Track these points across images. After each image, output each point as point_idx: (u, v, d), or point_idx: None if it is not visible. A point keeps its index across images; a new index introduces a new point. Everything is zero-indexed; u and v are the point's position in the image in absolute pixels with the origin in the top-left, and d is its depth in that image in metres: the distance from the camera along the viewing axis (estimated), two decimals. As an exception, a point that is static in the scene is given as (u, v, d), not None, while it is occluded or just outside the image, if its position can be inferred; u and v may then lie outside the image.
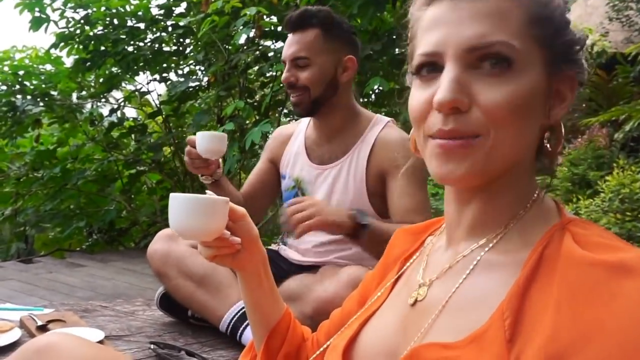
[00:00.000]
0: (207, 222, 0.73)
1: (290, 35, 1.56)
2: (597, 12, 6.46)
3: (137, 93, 4.42)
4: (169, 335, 1.61)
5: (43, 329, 1.46)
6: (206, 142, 1.45)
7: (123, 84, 4.45)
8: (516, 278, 0.52)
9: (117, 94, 4.60)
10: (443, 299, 0.57)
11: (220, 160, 1.55)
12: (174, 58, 4.22)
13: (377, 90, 3.60)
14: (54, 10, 3.70)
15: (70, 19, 3.78)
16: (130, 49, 3.96)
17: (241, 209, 0.80)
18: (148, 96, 4.46)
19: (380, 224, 1.37)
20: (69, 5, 3.69)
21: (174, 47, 4.19)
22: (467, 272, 0.57)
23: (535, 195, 0.60)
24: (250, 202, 1.66)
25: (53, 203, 3.97)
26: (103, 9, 3.76)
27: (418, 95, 0.58)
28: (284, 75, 1.56)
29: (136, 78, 4.33)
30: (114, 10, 3.82)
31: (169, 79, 4.29)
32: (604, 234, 0.53)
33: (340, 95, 1.57)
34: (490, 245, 0.58)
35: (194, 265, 1.58)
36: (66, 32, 3.81)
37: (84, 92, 4.39)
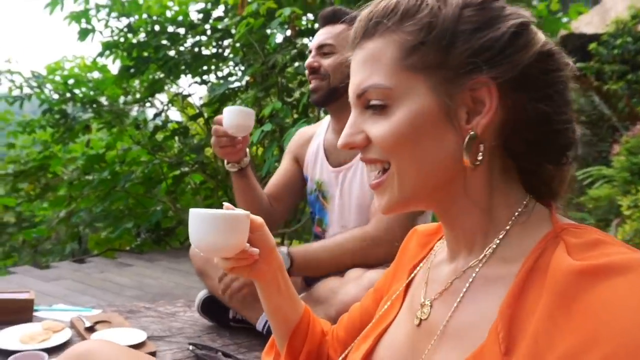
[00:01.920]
0: (230, 238, 0.72)
1: (323, 28, 1.59)
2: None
3: (179, 96, 4.55)
4: (208, 336, 1.66)
5: (91, 329, 1.53)
6: (233, 117, 1.42)
7: (166, 88, 4.58)
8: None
9: (161, 98, 4.75)
10: (444, 319, 0.58)
11: (248, 150, 1.56)
12: (214, 61, 4.31)
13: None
14: (99, 20, 3.86)
15: (114, 28, 3.93)
16: (172, 53, 4.07)
17: (259, 219, 0.80)
18: (190, 99, 4.58)
19: (307, 252, 1.46)
20: (113, 15, 3.83)
21: (213, 50, 4.28)
22: (464, 290, 0.58)
23: (524, 204, 0.58)
24: (275, 203, 1.68)
25: (103, 205, 4.14)
26: (144, 16, 3.88)
27: None
28: (308, 60, 1.58)
29: (178, 82, 4.46)
30: (154, 18, 3.94)
31: (209, 82, 4.38)
32: (601, 233, 0.52)
33: None
34: (484, 260, 0.58)
35: None
36: (111, 41, 3.96)
37: (129, 98, 4.55)
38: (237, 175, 1.58)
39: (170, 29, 4.06)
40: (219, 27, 3.90)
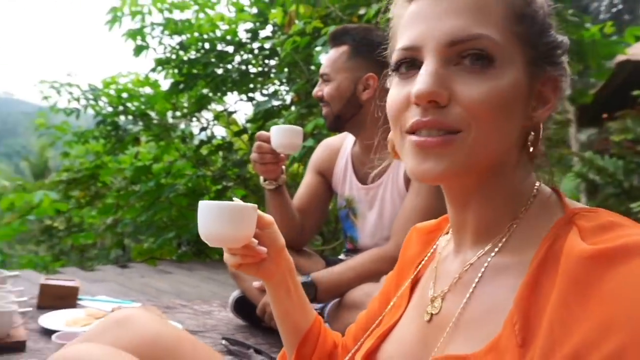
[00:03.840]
0: (237, 229, 0.72)
1: (329, 51, 1.62)
2: None
3: (225, 112, 4.69)
4: (241, 334, 1.69)
5: (129, 320, 1.59)
6: (283, 135, 1.42)
7: (212, 105, 4.74)
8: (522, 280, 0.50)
9: (207, 113, 4.91)
10: (456, 311, 0.56)
11: (284, 167, 1.58)
12: (260, 79, 4.43)
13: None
14: (153, 37, 4.06)
15: (167, 46, 4.12)
16: (220, 71, 4.23)
17: (268, 217, 0.79)
18: (235, 115, 4.72)
19: (331, 276, 1.48)
20: (166, 32, 4.02)
21: (260, 69, 4.41)
22: (476, 280, 0.56)
23: (535, 191, 0.58)
24: (302, 217, 1.69)
25: (147, 214, 4.27)
26: (196, 34, 4.05)
27: (396, 92, 0.57)
28: (315, 89, 1.62)
29: (225, 98, 4.60)
30: (205, 36, 4.11)
31: (255, 99, 4.50)
32: (615, 215, 0.50)
33: (366, 112, 1.56)
34: (496, 249, 0.57)
35: None
36: (163, 58, 4.15)
37: (177, 113, 4.72)
38: (272, 192, 1.60)
39: (220, 47, 4.22)
40: (266, 46, 4.03)
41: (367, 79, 1.56)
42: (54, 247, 4.35)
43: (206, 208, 0.73)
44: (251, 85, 4.44)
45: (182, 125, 4.67)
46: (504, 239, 0.56)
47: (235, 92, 4.46)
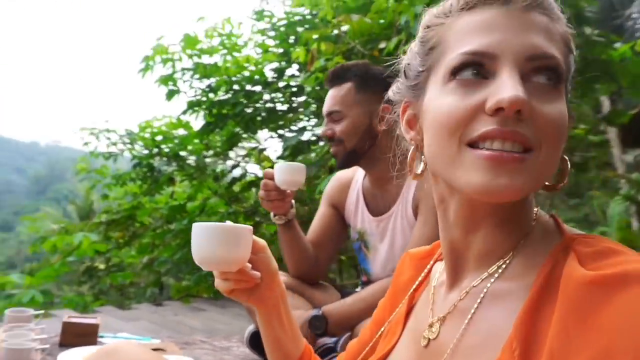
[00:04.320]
0: (231, 252, 0.69)
1: (329, 91, 1.63)
2: None
3: (256, 150, 4.79)
4: (258, 371, 1.68)
5: (145, 356, 1.62)
6: (284, 172, 1.45)
7: (244, 143, 4.86)
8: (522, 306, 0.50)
9: (239, 151, 5.02)
10: (454, 337, 0.56)
11: (293, 201, 1.60)
12: (289, 116, 4.53)
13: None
14: (184, 82, 4.24)
15: (197, 89, 4.29)
16: (249, 110, 4.35)
17: (262, 241, 0.78)
18: (267, 152, 4.81)
19: (342, 307, 1.47)
20: (196, 77, 4.20)
21: (287, 106, 4.52)
22: (475, 306, 0.56)
23: (535, 215, 0.58)
24: (316, 250, 1.69)
25: (182, 252, 4.37)
26: (224, 77, 4.21)
27: (457, 100, 0.53)
28: (322, 129, 1.63)
29: (256, 136, 4.72)
30: (233, 78, 4.26)
31: (284, 135, 4.59)
32: (612, 242, 0.50)
33: (380, 144, 1.57)
34: (497, 275, 0.56)
35: None
36: (194, 100, 4.31)
37: (210, 152, 4.87)
38: (283, 227, 1.62)
39: (248, 87, 4.35)
40: (292, 84, 4.13)
41: (382, 110, 1.56)
42: (94, 287, 4.50)
43: (200, 229, 0.71)
44: (280, 123, 4.54)
45: (216, 164, 4.80)
46: (504, 265, 0.56)
47: (265, 130, 4.57)
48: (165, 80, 4.16)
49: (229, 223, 0.74)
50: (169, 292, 4.86)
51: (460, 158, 0.53)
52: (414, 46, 0.63)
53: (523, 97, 0.49)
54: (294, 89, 4.28)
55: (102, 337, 1.81)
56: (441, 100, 0.55)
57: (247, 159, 4.87)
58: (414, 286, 0.71)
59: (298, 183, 1.49)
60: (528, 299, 0.50)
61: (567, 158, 0.57)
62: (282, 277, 1.70)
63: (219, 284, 0.77)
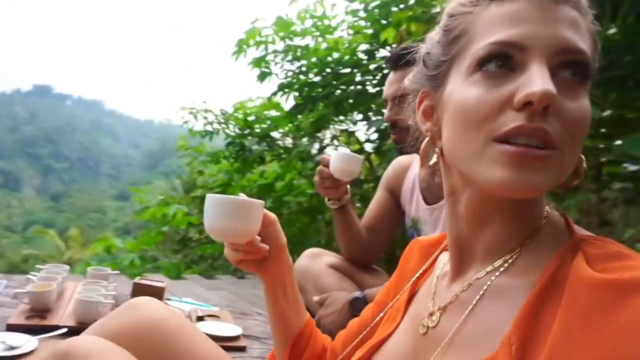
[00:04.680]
0: (243, 224, 0.72)
1: (391, 73, 1.55)
2: None
3: (345, 132, 4.79)
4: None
5: (200, 319, 1.71)
6: (341, 161, 1.44)
7: (332, 125, 4.88)
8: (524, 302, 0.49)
9: (328, 133, 5.06)
10: (453, 327, 0.55)
11: (349, 187, 1.57)
12: (379, 99, 4.46)
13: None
14: (275, 64, 4.34)
15: (288, 71, 4.37)
16: (338, 92, 4.35)
17: (272, 215, 0.80)
18: (357, 134, 4.79)
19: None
20: (287, 59, 4.27)
21: (378, 88, 4.45)
22: (477, 298, 0.55)
23: (546, 212, 0.56)
24: (372, 235, 1.66)
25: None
26: (314, 59, 4.24)
27: (483, 92, 0.52)
28: (386, 114, 1.55)
29: (346, 118, 4.71)
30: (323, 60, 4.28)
31: (371, 118, 4.54)
32: (622, 246, 0.47)
33: None
34: (502, 269, 0.55)
35: (328, 283, 1.65)
36: (285, 82, 4.40)
37: (302, 132, 4.95)
38: (337, 211, 1.62)
39: (338, 69, 4.35)
40: (383, 65, 4.05)
41: None
42: (187, 256, 4.82)
43: (214, 201, 0.73)
44: (372, 106, 4.49)
45: (306, 145, 4.88)
46: (510, 260, 0.55)
47: (355, 112, 4.55)
48: (258, 62, 4.29)
49: (242, 196, 0.76)
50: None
51: (484, 153, 0.51)
52: (434, 34, 0.61)
53: (554, 92, 0.48)
54: (385, 71, 4.20)
55: (168, 299, 1.94)
56: (465, 92, 0.53)
57: (335, 141, 4.89)
58: (418, 274, 0.70)
59: (353, 173, 1.46)
60: (531, 296, 0.49)
61: (583, 157, 0.55)
62: (335, 260, 1.71)
63: (228, 253, 0.79)
